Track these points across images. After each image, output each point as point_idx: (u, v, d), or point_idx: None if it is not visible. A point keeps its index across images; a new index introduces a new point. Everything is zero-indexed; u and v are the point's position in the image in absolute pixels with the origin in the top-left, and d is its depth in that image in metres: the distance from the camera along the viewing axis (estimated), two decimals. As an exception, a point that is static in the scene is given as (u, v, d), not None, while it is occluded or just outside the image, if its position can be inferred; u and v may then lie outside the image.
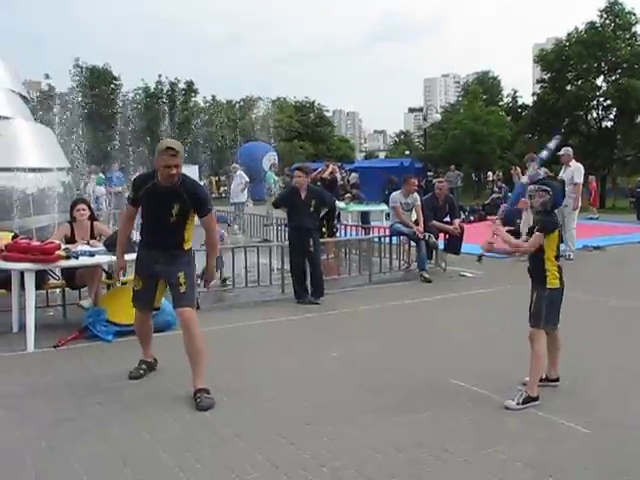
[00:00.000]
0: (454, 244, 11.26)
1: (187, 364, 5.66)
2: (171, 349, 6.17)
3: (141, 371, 5.84)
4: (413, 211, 11.11)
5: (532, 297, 5.11)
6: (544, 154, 6.23)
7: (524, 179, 12.74)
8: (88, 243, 7.61)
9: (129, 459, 4.09)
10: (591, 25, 31.08)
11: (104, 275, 8.10)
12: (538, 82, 35.40)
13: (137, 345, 6.07)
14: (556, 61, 31.97)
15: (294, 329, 7.75)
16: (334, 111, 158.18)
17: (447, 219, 11.44)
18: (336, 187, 14.40)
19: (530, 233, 5.10)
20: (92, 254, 7.14)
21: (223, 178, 46.24)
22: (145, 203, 5.48)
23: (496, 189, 24.73)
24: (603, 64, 31.38)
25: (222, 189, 44.16)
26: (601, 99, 31.75)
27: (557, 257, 5.07)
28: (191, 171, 24.99)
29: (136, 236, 6.37)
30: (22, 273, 6.96)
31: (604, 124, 32.85)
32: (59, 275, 8.25)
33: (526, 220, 12.56)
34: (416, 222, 10.89)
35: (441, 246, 11.44)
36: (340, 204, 16.11)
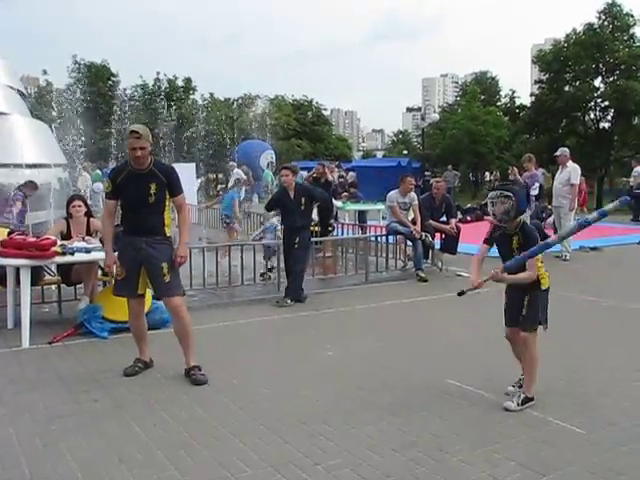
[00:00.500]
0: (450, 244, 11.25)
1: (183, 362, 5.75)
2: (166, 346, 6.17)
3: (136, 368, 5.84)
4: (410, 210, 11.09)
5: (522, 301, 4.93)
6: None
7: (520, 180, 12.82)
8: (84, 239, 7.59)
9: (124, 456, 4.08)
10: (589, 26, 31.09)
11: (100, 272, 8.09)
12: (536, 83, 35.46)
13: (133, 342, 6.07)
14: (554, 62, 31.99)
15: (290, 327, 7.73)
16: (332, 110, 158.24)
17: (444, 219, 11.44)
18: (331, 188, 14.34)
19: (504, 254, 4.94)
20: (88, 250, 7.13)
21: (221, 176, 46.16)
22: (124, 190, 5.67)
23: (493, 189, 24.74)
24: (601, 65, 31.40)
25: (219, 187, 44.09)
26: (599, 100, 31.76)
27: (541, 261, 4.95)
28: (188, 169, 24.95)
29: None
30: (18, 269, 6.96)
31: (601, 125, 32.86)
32: (54, 271, 8.25)
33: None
34: (413, 221, 10.89)
35: (437, 246, 11.44)
36: (337, 203, 16.10)
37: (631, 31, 30.89)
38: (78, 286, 8.26)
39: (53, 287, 8.43)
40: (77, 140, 16.66)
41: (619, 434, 4.43)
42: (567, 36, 32.21)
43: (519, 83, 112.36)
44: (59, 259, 7.01)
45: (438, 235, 11.39)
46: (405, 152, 59.05)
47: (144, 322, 6.03)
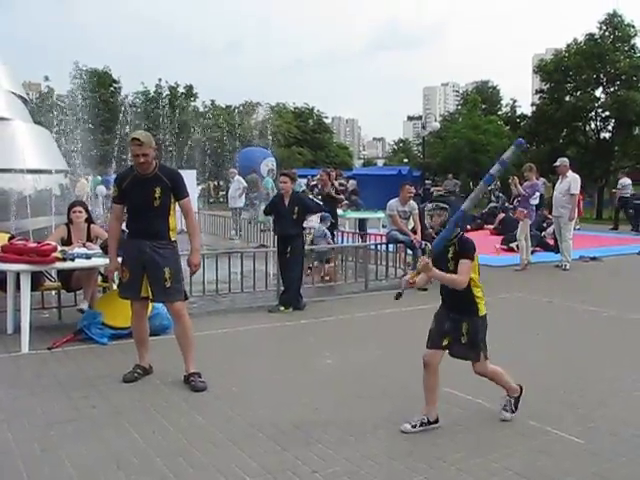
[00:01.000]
0: (450, 253, 11.23)
1: (182, 369, 5.76)
2: (166, 353, 6.18)
3: (135, 374, 5.84)
4: (410, 219, 11.10)
5: (459, 329, 4.63)
6: (495, 168, 4.81)
7: (521, 189, 12.83)
8: (84, 245, 7.61)
9: (122, 463, 4.08)
10: (590, 37, 31.13)
11: (100, 278, 8.10)
12: (537, 92, 35.49)
13: (132, 348, 6.09)
14: (555, 72, 32.02)
15: (289, 335, 7.74)
16: (333, 118, 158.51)
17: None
18: (335, 198, 14.36)
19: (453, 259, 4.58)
20: (88, 256, 7.14)
21: (222, 183, 46.24)
22: (129, 194, 5.76)
23: (494, 198, 24.75)
24: (602, 75, 31.40)
25: (220, 194, 44.18)
26: (599, 110, 31.73)
27: (479, 280, 4.68)
28: (188, 176, 24.91)
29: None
30: (18, 274, 6.96)
31: (602, 135, 32.84)
32: (55, 277, 8.25)
33: (522, 230, 12.62)
34: (413, 230, 10.89)
35: (437, 254, 11.42)
36: (338, 211, 16.12)
37: (632, 42, 30.90)
38: (78, 292, 8.27)
39: (53, 293, 8.44)
40: (78, 146, 16.68)
41: (619, 444, 4.42)
42: (568, 46, 32.25)
43: (520, 93, 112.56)
44: (59, 265, 7.01)
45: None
46: (406, 160, 59.12)
47: (146, 325, 6.07)
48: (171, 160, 26.32)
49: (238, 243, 17.15)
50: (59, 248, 7.20)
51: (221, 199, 40.28)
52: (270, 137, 42.33)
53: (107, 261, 6.78)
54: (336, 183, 18.97)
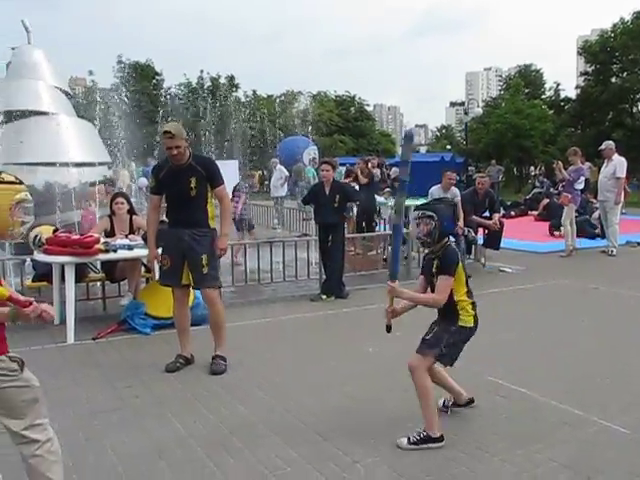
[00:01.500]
0: (494, 239, 11.13)
1: (232, 359, 5.90)
2: (207, 343, 6.19)
3: (178, 364, 5.91)
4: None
5: (432, 326, 4.46)
6: (401, 172, 4.59)
7: (565, 174, 12.59)
8: (127, 237, 7.70)
9: (164, 452, 4.12)
10: (638, 15, 30.39)
11: (143, 269, 8.19)
12: (582, 75, 34.88)
13: (175, 338, 6.17)
14: (601, 53, 31.42)
15: (331, 324, 7.72)
16: (375, 105, 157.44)
17: (487, 214, 11.31)
18: (374, 183, 14.27)
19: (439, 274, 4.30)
20: (131, 247, 7.22)
21: (266, 173, 46.38)
22: (166, 185, 5.89)
23: (538, 184, 24.37)
24: (650, 56, 30.71)
25: (265, 183, 44.26)
26: (647, 92, 31.09)
27: (470, 293, 4.40)
28: (230, 166, 25.07)
29: None
30: (63, 266, 7.07)
31: (650, 117, 32.18)
32: (99, 268, 8.36)
33: (567, 215, 12.39)
34: (458, 218, 10.76)
35: (480, 241, 11.32)
36: (379, 199, 16.02)
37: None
38: (122, 283, 8.38)
39: (98, 284, 8.55)
40: (121, 139, 16.87)
41: (666, 434, 4.31)
42: (614, 26, 31.60)
43: (564, 75, 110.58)
44: (102, 256, 7.11)
45: (481, 230, 11.27)
46: (449, 147, 58.60)
47: (187, 313, 6.19)
48: (213, 151, 26.43)
49: (280, 232, 17.17)
50: (102, 240, 7.30)
51: (265, 189, 40.40)
52: (311, 126, 42.37)
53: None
54: (376, 171, 18.91)
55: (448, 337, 4.30)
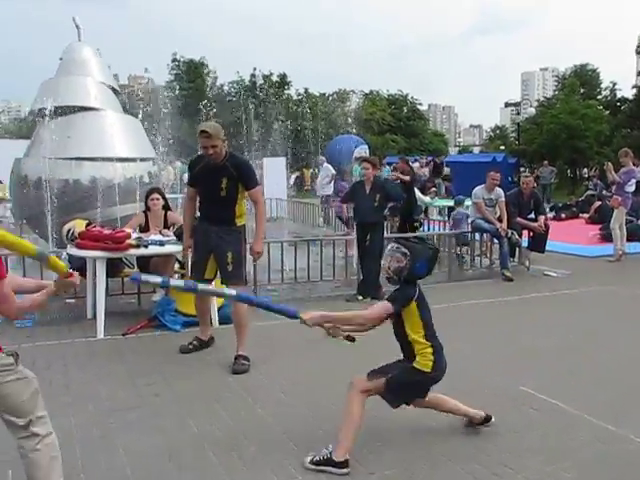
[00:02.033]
0: (539, 242, 10.79)
1: (254, 361, 5.83)
2: (235, 342, 6.10)
3: (190, 346, 6.14)
4: (497, 207, 10.70)
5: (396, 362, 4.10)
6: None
7: (616, 176, 12.16)
8: (160, 232, 7.65)
9: (174, 453, 4.02)
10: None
11: (177, 265, 8.14)
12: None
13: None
14: (661, 52, 30.43)
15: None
16: (430, 105, 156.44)
17: (532, 216, 11.00)
18: (413, 184, 14.08)
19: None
20: (162, 243, 7.17)
21: (317, 171, 46.36)
22: (200, 180, 5.99)
23: (591, 186, 23.72)
24: None
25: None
26: None
27: (431, 338, 4.01)
28: (277, 163, 25.08)
29: None
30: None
31: None
32: (134, 263, 8.34)
33: (617, 218, 11.97)
34: (499, 219, 10.48)
35: (525, 244, 11.00)
36: (425, 199, 15.80)
37: None
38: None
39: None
40: (170, 135, 16.97)
41: None
42: (676, 25, 30.56)
43: (622, 75, 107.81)
44: (133, 251, 7.09)
45: (526, 233, 10.95)
46: (502, 148, 57.68)
47: (208, 305, 6.47)
48: (264, 148, 26.50)
49: (325, 231, 17.04)
50: (135, 235, 7.27)
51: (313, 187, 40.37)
52: (363, 125, 42.21)
53: (180, 248, 6.83)
54: (425, 171, 18.69)
55: (399, 375, 3.95)
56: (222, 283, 6.03)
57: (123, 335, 6.85)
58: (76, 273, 3.31)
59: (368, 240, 8.87)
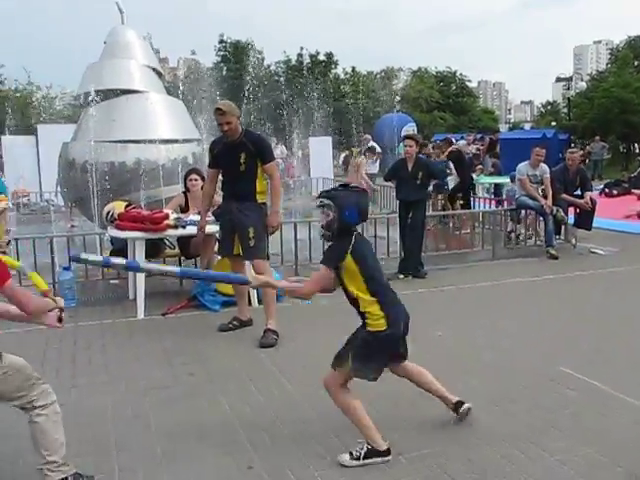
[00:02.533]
0: (585, 219, 10.53)
1: (286, 338, 5.90)
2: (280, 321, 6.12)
3: (230, 325, 6.27)
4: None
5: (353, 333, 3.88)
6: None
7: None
8: (199, 213, 7.67)
9: (205, 433, 4.04)
10: None
11: (217, 245, 8.16)
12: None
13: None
14: None
15: (405, 304, 7.45)
16: (479, 82, 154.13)
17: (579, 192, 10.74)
18: (464, 161, 13.90)
19: None
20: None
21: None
22: (220, 160, 6.20)
23: (646, 160, 22.99)
24: None
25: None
26: None
27: (376, 292, 3.73)
28: (324, 142, 25.00)
29: None
30: (135, 241, 7.13)
31: None
32: (175, 244, 8.40)
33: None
34: (544, 195, 10.25)
35: (571, 221, 10.75)
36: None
37: None
38: (198, 259, 8.39)
39: (174, 260, 8.60)
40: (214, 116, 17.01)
41: None
42: None
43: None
44: (171, 232, 7.14)
45: (572, 210, 10.70)
46: (553, 123, 56.47)
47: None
48: (312, 127, 26.43)
49: (371, 209, 16.93)
50: (174, 215, 7.31)
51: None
52: (411, 102, 41.72)
53: (217, 228, 6.85)
54: (472, 148, 18.41)
55: (358, 347, 3.72)
56: (244, 259, 6.21)
57: (163, 315, 6.92)
58: (51, 294, 3.43)
59: (410, 218, 8.78)
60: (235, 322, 6.34)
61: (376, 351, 3.74)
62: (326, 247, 3.94)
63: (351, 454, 3.64)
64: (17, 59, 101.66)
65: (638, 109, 36.24)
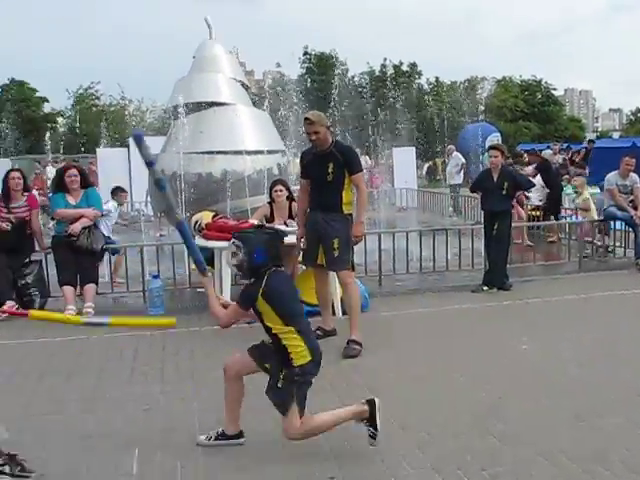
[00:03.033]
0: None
1: (369, 349, 5.94)
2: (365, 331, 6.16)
3: (315, 335, 6.08)
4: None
5: (276, 376, 3.88)
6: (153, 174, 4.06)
7: None
8: (285, 223, 7.80)
9: (286, 444, 4.05)
10: None
11: (301, 255, 8.27)
12: None
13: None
14: None
15: (488, 317, 7.38)
16: (566, 90, 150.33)
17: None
18: (552, 171, 13.64)
19: None
20: (285, 234, 7.27)
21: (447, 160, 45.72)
22: (309, 169, 6.31)
23: None
24: None
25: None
26: None
27: (291, 322, 3.83)
28: (407, 153, 24.95)
29: None
30: (222, 251, 7.30)
31: None
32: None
33: None
34: (635, 206, 9.94)
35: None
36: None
37: None
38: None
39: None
40: (301, 127, 17.23)
41: None
42: None
43: None
44: (256, 242, 7.25)
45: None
46: (645, 131, 54.63)
47: (328, 291, 6.61)
48: (398, 138, 26.45)
49: (456, 220, 16.80)
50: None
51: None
52: (495, 112, 41.13)
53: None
54: (557, 157, 18.03)
55: (297, 385, 3.83)
56: (327, 269, 6.34)
57: (248, 323, 7.01)
58: None
59: (495, 229, 8.68)
60: (319, 332, 6.36)
61: (299, 387, 3.84)
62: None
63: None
64: (112, 76, 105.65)
65: None
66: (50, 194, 13.01)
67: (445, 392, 4.94)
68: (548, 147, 22.07)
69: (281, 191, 8.19)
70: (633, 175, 10.02)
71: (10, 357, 6.24)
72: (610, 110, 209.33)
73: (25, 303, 7.77)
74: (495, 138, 33.52)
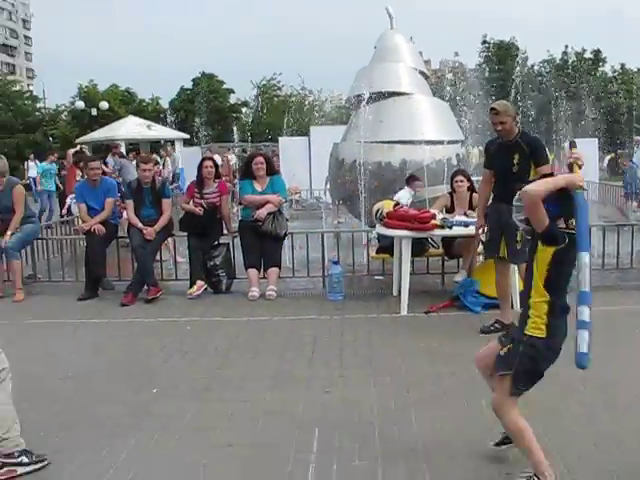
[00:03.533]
0: None
1: None
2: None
3: (492, 328, 6.19)
4: None
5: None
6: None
7: None
8: (465, 214, 7.71)
9: (464, 434, 4.03)
10: None
11: (480, 246, 8.13)
12: None
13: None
14: None
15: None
16: None
17: None
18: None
19: None
20: (467, 224, 7.18)
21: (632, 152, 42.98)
22: (494, 160, 6.26)
23: None
24: None
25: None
26: None
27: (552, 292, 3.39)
28: (590, 144, 23.73)
29: None
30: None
31: None
32: (439, 244, 8.49)
33: None
34: None
35: None
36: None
37: None
38: (460, 259, 8.41)
39: (437, 259, 8.69)
40: (480, 117, 16.94)
41: None
42: None
43: None
44: (437, 232, 7.21)
45: None
46: None
47: (508, 283, 6.47)
48: (579, 128, 25.29)
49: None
50: (441, 216, 7.40)
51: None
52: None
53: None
54: None
55: (526, 357, 3.42)
56: (510, 262, 6.22)
57: (425, 313, 7.05)
58: None
59: None
60: (497, 325, 6.27)
61: (536, 362, 3.43)
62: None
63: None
64: (293, 66, 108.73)
65: None
66: (236, 181, 13.66)
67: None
68: None
69: (462, 181, 8.11)
70: None
71: (197, 333, 6.63)
72: None
73: (213, 283, 8.24)
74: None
